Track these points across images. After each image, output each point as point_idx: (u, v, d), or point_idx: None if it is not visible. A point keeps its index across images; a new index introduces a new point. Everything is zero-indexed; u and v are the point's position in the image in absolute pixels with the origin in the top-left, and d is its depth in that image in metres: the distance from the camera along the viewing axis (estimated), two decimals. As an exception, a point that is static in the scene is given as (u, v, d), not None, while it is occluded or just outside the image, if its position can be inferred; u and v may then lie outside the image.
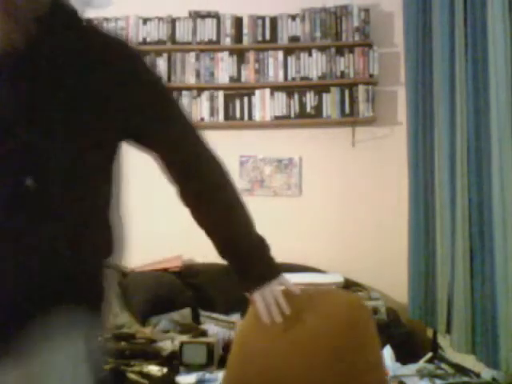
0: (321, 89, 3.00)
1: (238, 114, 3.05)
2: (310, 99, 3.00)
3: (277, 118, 3.02)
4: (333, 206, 3.07)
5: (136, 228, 3.43)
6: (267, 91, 3.02)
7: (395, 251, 2.81)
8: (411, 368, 2.00)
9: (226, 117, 3.05)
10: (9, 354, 0.71)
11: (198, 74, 3.08)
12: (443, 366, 2.04)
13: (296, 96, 3.01)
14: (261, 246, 1.06)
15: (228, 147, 3.19)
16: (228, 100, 3.05)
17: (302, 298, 1.04)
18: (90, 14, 3.09)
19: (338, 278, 2.68)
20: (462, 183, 1.96)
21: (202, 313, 2.57)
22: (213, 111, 3.05)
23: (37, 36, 0.74)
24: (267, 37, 3.07)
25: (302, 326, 1.00)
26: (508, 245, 1.62)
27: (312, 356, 0.97)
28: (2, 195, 0.73)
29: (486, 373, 1.85)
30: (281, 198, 3.09)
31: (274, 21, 3.06)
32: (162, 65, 3.10)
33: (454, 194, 2.03)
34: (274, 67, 3.04)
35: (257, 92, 3.03)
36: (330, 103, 2.98)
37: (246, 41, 3.07)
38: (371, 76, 2.96)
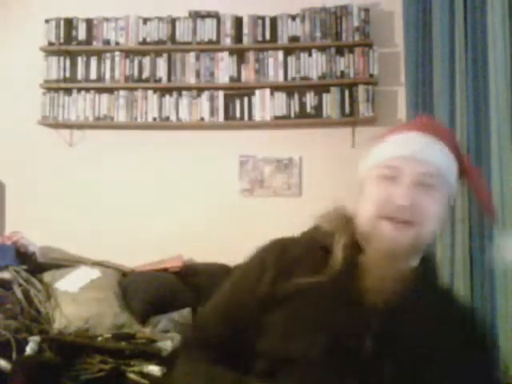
0: (321, 89, 3.00)
1: (238, 114, 3.04)
2: (310, 99, 3.01)
3: (277, 117, 3.02)
4: (333, 206, 3.06)
5: (136, 228, 3.45)
6: (267, 91, 3.02)
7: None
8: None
9: (226, 117, 3.05)
10: None
11: (197, 74, 3.08)
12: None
13: (296, 96, 3.01)
14: None
15: (228, 147, 3.20)
16: (228, 100, 3.05)
17: None
18: (90, 13, 3.07)
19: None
20: (461, 183, 1.96)
21: (202, 313, 2.57)
22: (213, 111, 3.05)
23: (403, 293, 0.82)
24: (267, 37, 3.07)
25: None
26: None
27: None
28: None
29: (486, 373, 1.84)
30: (281, 198, 3.09)
31: (274, 21, 3.06)
32: (161, 65, 3.10)
33: (453, 194, 2.03)
34: (274, 67, 3.04)
35: (257, 92, 3.03)
36: (330, 103, 2.98)
37: (246, 41, 3.07)
38: (371, 76, 2.96)
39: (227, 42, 3.08)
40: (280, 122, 3.04)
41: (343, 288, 0.83)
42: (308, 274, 0.86)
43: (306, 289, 0.84)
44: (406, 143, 0.90)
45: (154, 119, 3.07)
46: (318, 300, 0.84)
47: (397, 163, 0.88)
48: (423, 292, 0.85)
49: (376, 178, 0.90)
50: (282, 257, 0.92)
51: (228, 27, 3.08)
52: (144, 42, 3.13)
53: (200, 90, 3.07)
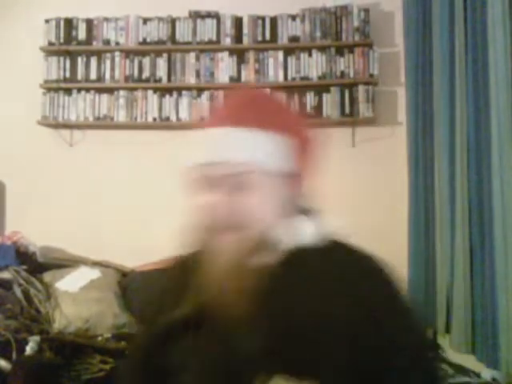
0: (321, 89, 3.00)
1: (238, 114, 3.04)
2: (310, 99, 3.01)
3: (277, 118, 3.01)
4: (332, 206, 3.06)
5: (136, 228, 3.44)
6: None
7: (395, 251, 2.81)
8: (411, 368, 2.00)
9: (226, 117, 3.04)
10: None
11: (198, 74, 3.08)
12: (443, 366, 2.04)
13: (296, 96, 3.01)
14: None
15: (228, 147, 3.20)
16: (228, 100, 3.04)
17: None
18: (90, 13, 3.06)
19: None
20: (461, 183, 1.96)
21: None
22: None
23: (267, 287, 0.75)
24: (267, 37, 3.07)
25: None
26: (508, 244, 1.62)
27: None
28: None
29: (486, 373, 1.85)
30: (281, 198, 3.08)
31: (274, 21, 3.06)
32: (161, 65, 3.10)
33: (453, 193, 2.03)
34: (274, 67, 3.04)
35: (257, 92, 3.02)
36: (330, 103, 2.98)
37: (246, 41, 3.07)
38: (371, 76, 2.96)
39: (227, 41, 3.08)
40: (280, 122, 3.03)
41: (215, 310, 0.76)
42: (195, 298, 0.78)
43: (193, 317, 0.77)
44: (206, 146, 0.79)
45: (154, 119, 3.08)
46: (200, 326, 0.77)
47: (200, 170, 0.78)
48: (305, 279, 0.77)
49: (191, 186, 0.81)
50: (170, 285, 0.86)
51: (228, 27, 3.08)
52: (144, 42, 3.13)
53: (200, 90, 3.07)
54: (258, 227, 0.77)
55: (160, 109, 3.07)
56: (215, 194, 0.77)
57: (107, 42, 3.14)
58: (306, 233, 0.80)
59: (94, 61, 3.14)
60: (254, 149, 0.78)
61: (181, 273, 0.87)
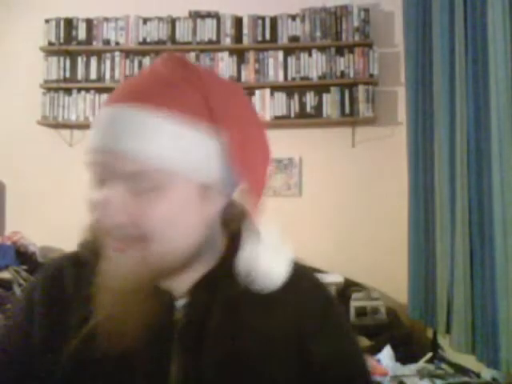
0: (321, 89, 3.00)
1: (238, 114, 3.04)
2: (310, 99, 3.01)
3: (277, 117, 3.02)
4: (333, 206, 3.07)
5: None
6: (267, 91, 3.02)
7: (395, 251, 2.81)
8: (411, 368, 2.00)
9: (226, 117, 3.04)
10: None
11: (198, 74, 3.08)
12: (443, 366, 2.04)
13: (296, 96, 3.01)
14: None
15: (228, 147, 3.20)
16: (228, 100, 3.04)
17: None
18: (90, 13, 3.05)
19: (338, 278, 2.68)
20: (461, 183, 1.96)
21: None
22: (213, 111, 3.05)
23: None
24: (267, 37, 3.07)
25: None
26: (508, 245, 1.62)
27: None
28: None
29: (486, 373, 1.84)
30: (281, 198, 3.09)
31: (273, 21, 3.06)
32: (162, 65, 3.10)
33: (453, 193, 2.03)
34: (274, 67, 3.04)
35: (257, 92, 3.03)
36: (330, 103, 2.98)
37: (246, 41, 3.07)
38: (371, 76, 2.96)
39: (227, 41, 3.08)
40: (280, 121, 3.04)
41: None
42: (87, 309, 0.62)
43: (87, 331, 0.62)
44: (106, 128, 0.58)
45: (154, 119, 3.07)
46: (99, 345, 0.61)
47: (96, 159, 0.60)
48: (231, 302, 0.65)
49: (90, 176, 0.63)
50: (53, 290, 0.70)
51: (228, 27, 3.08)
52: (144, 42, 3.13)
53: (200, 90, 3.06)
54: (172, 239, 0.60)
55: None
56: (110, 189, 0.58)
57: (107, 42, 3.14)
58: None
59: (93, 61, 3.14)
60: (172, 142, 0.57)
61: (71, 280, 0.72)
